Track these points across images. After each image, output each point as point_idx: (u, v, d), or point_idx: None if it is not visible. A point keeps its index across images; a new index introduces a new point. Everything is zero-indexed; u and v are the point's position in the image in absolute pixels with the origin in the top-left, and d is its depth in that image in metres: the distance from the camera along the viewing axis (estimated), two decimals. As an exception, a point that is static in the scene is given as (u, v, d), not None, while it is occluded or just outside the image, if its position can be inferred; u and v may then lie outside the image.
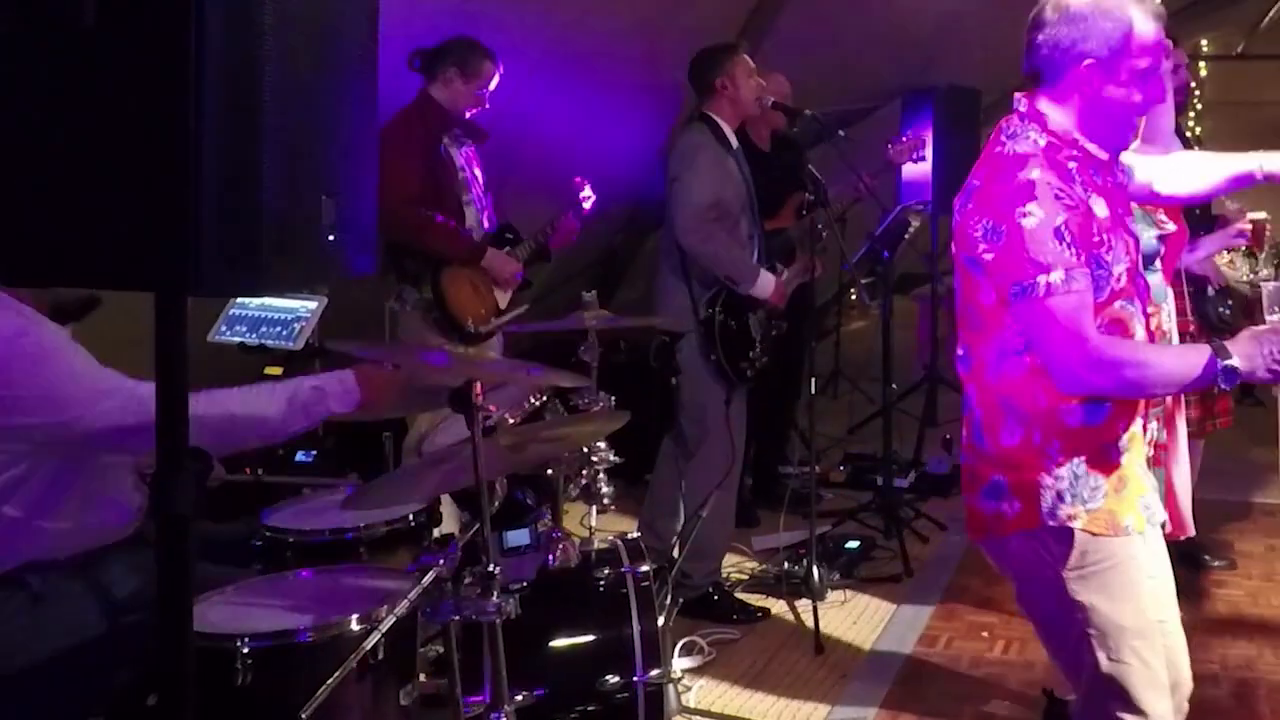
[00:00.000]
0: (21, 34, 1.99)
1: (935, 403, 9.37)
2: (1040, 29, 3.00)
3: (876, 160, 6.87)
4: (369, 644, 2.95)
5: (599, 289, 4.66)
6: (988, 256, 2.92)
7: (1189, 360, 2.88)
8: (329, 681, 2.82)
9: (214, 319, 4.99)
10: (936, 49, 9.40)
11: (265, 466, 4.68)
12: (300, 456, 4.85)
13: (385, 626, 2.99)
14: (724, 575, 6.00)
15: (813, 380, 6.09)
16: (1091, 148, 3.03)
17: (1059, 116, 3.02)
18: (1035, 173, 2.89)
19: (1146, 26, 2.93)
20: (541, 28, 6.24)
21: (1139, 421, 3.11)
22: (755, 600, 5.91)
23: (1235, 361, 2.79)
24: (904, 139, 7.00)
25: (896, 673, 5.20)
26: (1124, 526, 3.05)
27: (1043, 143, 2.99)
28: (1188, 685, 3.27)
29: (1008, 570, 3.28)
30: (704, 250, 5.61)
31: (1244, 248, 5.98)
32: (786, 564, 6.13)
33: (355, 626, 3.03)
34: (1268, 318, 2.86)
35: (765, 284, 5.77)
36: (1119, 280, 2.99)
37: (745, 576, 6.20)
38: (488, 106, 5.47)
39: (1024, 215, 2.85)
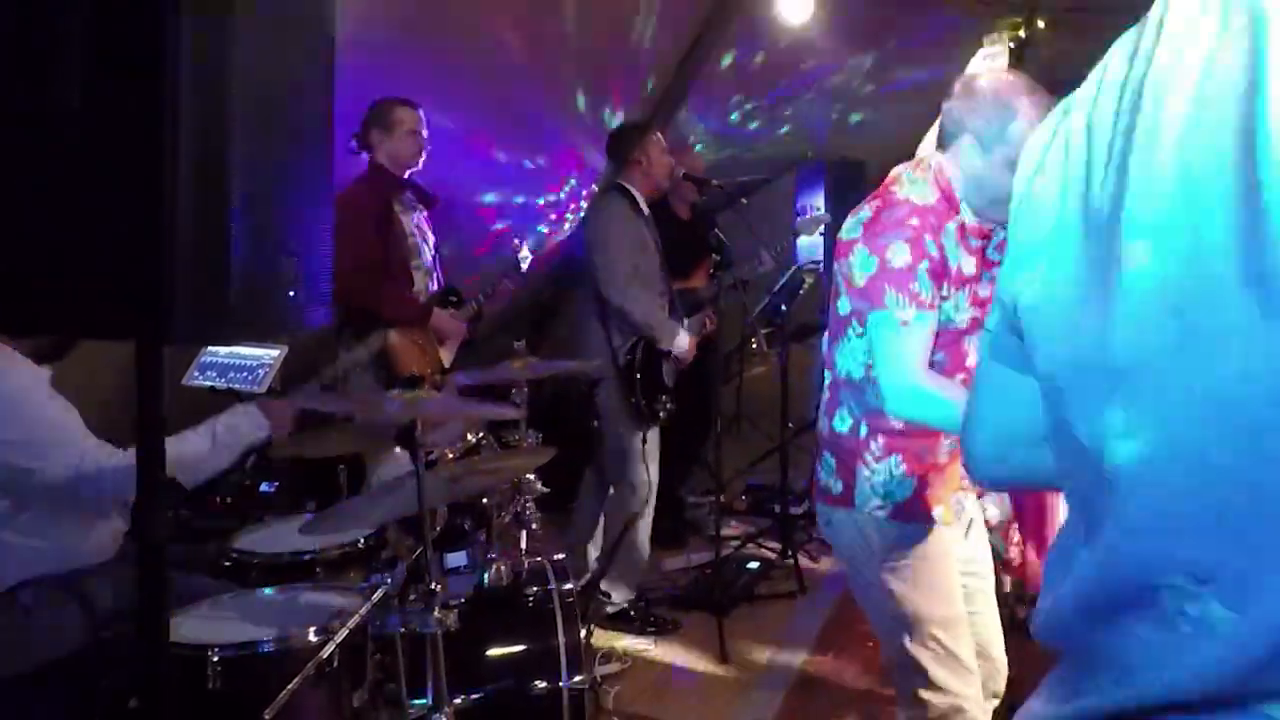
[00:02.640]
0: (12, 112, 2.02)
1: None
2: (948, 97, 3.03)
3: (780, 230, 6.97)
4: (325, 653, 2.97)
5: (528, 337, 4.68)
6: (859, 282, 2.97)
7: None
8: (290, 686, 2.83)
9: (187, 365, 4.97)
10: (826, 126, 9.50)
11: (233, 496, 4.68)
12: (264, 488, 4.84)
13: (339, 637, 3.02)
14: (639, 592, 6.02)
15: (718, 420, 6.14)
16: (967, 215, 3.02)
17: (950, 177, 3.03)
18: (914, 220, 2.95)
19: (1030, 120, 2.85)
20: (476, 102, 6.25)
21: None
22: (667, 615, 5.93)
23: None
24: (809, 214, 7.10)
25: (792, 679, 5.26)
26: (932, 517, 3.12)
27: (932, 199, 3.01)
28: (1000, 658, 3.34)
29: (831, 541, 3.33)
30: (630, 309, 5.66)
31: None
32: (695, 582, 6.18)
33: (313, 637, 3.06)
34: None
35: (682, 341, 5.84)
36: (963, 324, 3.04)
37: (659, 593, 6.23)
38: (428, 146, 5.42)
39: (895, 254, 2.91)
